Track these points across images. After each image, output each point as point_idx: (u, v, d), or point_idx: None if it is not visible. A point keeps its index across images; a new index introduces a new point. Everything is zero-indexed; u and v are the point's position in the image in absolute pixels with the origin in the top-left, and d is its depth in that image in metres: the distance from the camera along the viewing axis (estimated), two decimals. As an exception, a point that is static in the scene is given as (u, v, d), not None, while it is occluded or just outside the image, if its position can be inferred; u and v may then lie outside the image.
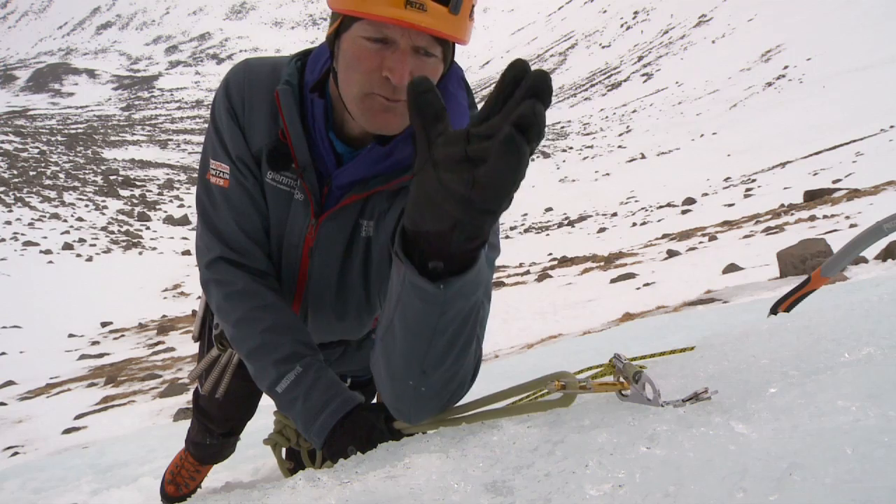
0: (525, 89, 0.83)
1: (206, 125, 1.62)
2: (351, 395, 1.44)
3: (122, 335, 14.99)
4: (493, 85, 0.89)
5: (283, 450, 1.84)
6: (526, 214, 30.67)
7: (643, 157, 36.93)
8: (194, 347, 2.36)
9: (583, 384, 1.35)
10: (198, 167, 1.61)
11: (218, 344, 1.91)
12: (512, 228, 28.42)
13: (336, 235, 1.47)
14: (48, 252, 25.10)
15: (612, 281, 10.04)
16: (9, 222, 27.64)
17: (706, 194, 22.86)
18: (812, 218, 11.35)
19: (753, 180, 22.30)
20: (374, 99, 1.26)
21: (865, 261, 6.18)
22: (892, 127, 21.13)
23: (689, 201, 22.17)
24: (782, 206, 14.89)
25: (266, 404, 1.97)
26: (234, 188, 1.46)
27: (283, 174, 1.45)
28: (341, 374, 1.59)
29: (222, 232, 1.49)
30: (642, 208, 24.66)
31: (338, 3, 1.24)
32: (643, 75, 61.33)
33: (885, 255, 6.15)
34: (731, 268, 8.26)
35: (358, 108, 1.29)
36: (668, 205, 23.24)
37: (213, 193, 1.49)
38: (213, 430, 2.27)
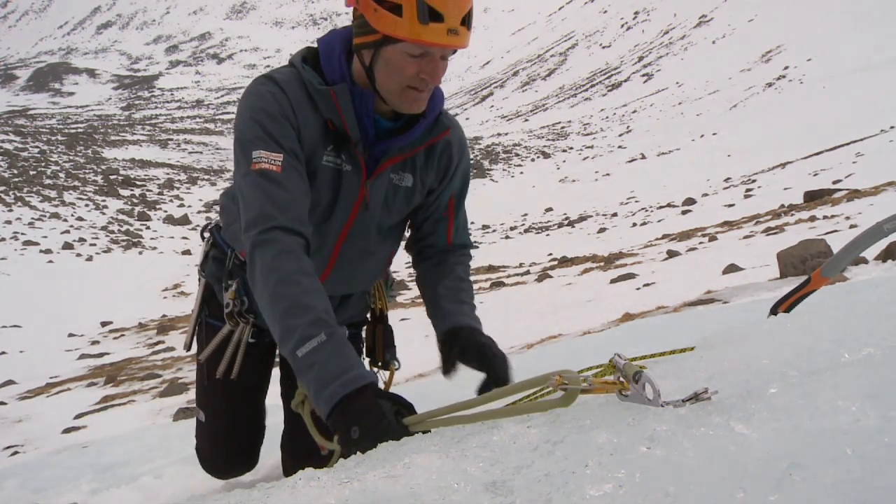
0: None
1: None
2: (365, 373, 1.54)
3: (122, 335, 14.98)
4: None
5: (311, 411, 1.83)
6: (526, 214, 30.64)
7: (643, 157, 36.89)
8: (193, 347, 2.36)
9: (584, 383, 1.35)
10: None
11: (231, 320, 2.08)
12: (512, 228, 28.40)
13: (380, 190, 1.87)
14: (48, 251, 25.06)
15: (612, 281, 10.03)
16: (9, 222, 27.60)
17: (706, 194, 22.84)
18: (812, 218, 11.34)
19: (753, 181, 22.28)
20: (410, 92, 1.69)
21: (865, 261, 6.17)
22: (892, 127, 21.10)
23: (690, 201, 22.15)
24: (782, 206, 14.88)
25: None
26: (287, 171, 1.68)
27: (332, 153, 1.78)
28: (340, 322, 1.82)
29: (284, 204, 1.66)
30: (642, 208, 24.64)
31: (390, 29, 1.59)
32: (643, 75, 61.20)
33: (885, 256, 6.15)
34: (731, 268, 8.25)
35: (398, 98, 1.71)
36: (668, 205, 23.23)
37: (270, 176, 1.67)
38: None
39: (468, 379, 1.92)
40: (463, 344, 1.86)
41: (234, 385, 2.17)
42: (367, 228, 1.91)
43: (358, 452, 1.35)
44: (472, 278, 2.16)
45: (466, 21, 1.61)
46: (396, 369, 2.18)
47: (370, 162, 1.82)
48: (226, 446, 2.30)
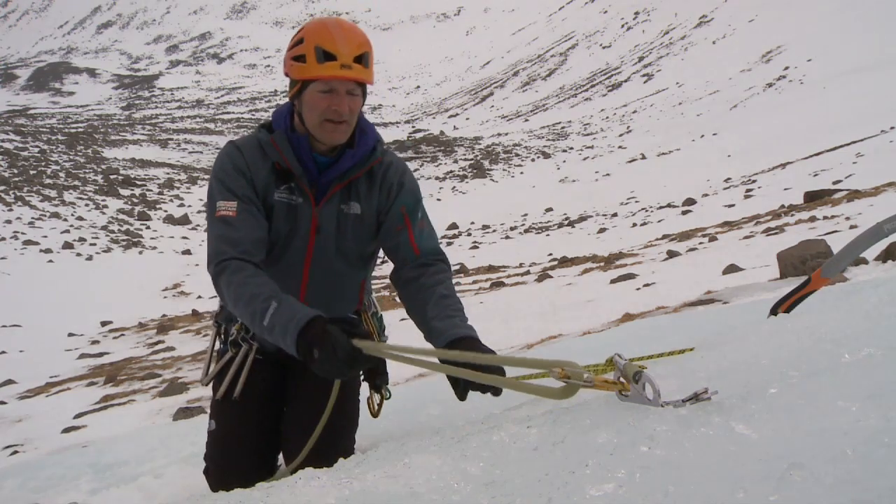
0: None
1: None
2: (308, 311, 1.91)
3: (122, 334, 14.99)
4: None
5: None
6: (526, 214, 30.64)
7: (643, 157, 36.88)
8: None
9: (585, 378, 1.34)
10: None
11: (234, 347, 2.37)
12: (512, 228, 28.40)
13: (330, 215, 2.21)
14: (48, 251, 25.07)
15: (612, 281, 10.03)
16: (9, 221, 27.60)
17: (706, 195, 22.83)
18: (812, 219, 11.35)
19: (754, 181, 22.27)
20: (328, 124, 2.09)
21: (865, 262, 6.17)
22: (892, 128, 21.09)
23: (690, 202, 22.15)
24: (782, 206, 14.88)
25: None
26: (240, 215, 2.11)
27: (285, 191, 2.18)
28: None
29: (235, 241, 2.09)
30: (642, 209, 24.64)
31: (300, 74, 2.07)
32: (644, 76, 61.12)
33: (885, 257, 6.15)
34: (732, 268, 8.25)
35: (318, 131, 2.11)
36: (669, 205, 23.22)
37: (226, 221, 2.11)
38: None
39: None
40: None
41: (242, 399, 2.31)
42: (327, 251, 2.24)
43: (326, 372, 1.83)
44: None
45: (361, 60, 2.06)
46: (387, 398, 2.43)
47: (319, 193, 2.21)
48: (233, 448, 2.31)
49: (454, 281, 2.29)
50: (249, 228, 2.10)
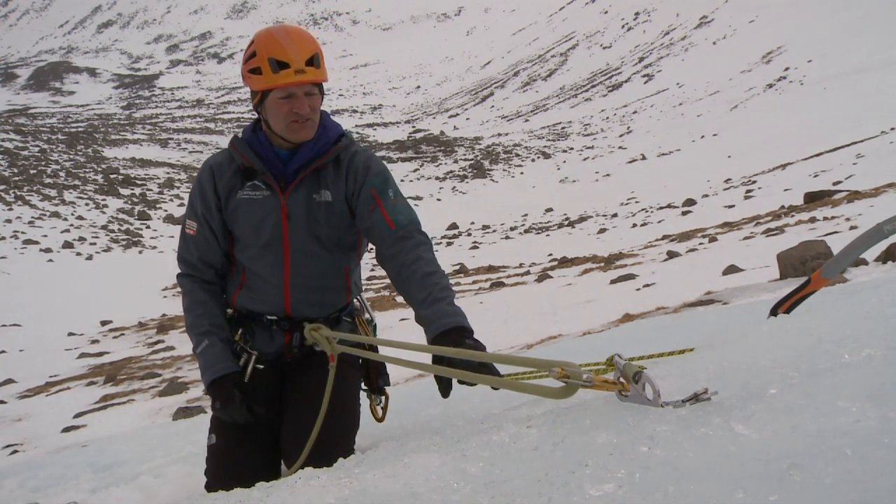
0: None
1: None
2: (225, 366, 2.28)
3: (122, 334, 14.98)
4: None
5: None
6: (526, 215, 30.64)
7: (644, 157, 36.89)
8: None
9: (585, 378, 1.34)
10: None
11: (235, 357, 2.44)
12: (512, 228, 28.40)
13: (299, 202, 2.32)
14: (48, 250, 25.06)
15: (612, 282, 10.04)
16: (9, 220, 27.60)
17: (706, 195, 22.84)
18: (812, 220, 11.35)
19: (754, 182, 22.28)
20: (294, 125, 2.23)
21: (865, 263, 6.17)
22: (892, 129, 21.09)
23: (690, 202, 22.15)
24: (782, 207, 14.89)
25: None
26: (197, 234, 2.41)
27: (249, 188, 2.32)
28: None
29: (189, 260, 2.45)
30: (642, 209, 24.65)
31: (259, 86, 2.20)
32: (644, 76, 61.13)
33: (885, 258, 6.14)
34: (731, 269, 8.25)
35: (288, 131, 2.25)
36: (669, 206, 23.22)
37: (187, 238, 2.44)
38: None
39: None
40: (450, 358, 1.86)
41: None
42: (301, 237, 2.34)
43: (222, 415, 2.27)
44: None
45: (313, 62, 2.18)
46: (378, 404, 2.51)
47: (286, 184, 2.33)
48: (234, 464, 2.29)
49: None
50: (202, 250, 2.41)
